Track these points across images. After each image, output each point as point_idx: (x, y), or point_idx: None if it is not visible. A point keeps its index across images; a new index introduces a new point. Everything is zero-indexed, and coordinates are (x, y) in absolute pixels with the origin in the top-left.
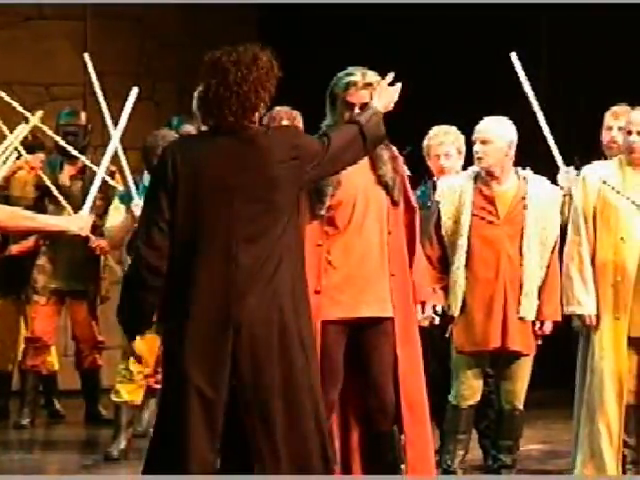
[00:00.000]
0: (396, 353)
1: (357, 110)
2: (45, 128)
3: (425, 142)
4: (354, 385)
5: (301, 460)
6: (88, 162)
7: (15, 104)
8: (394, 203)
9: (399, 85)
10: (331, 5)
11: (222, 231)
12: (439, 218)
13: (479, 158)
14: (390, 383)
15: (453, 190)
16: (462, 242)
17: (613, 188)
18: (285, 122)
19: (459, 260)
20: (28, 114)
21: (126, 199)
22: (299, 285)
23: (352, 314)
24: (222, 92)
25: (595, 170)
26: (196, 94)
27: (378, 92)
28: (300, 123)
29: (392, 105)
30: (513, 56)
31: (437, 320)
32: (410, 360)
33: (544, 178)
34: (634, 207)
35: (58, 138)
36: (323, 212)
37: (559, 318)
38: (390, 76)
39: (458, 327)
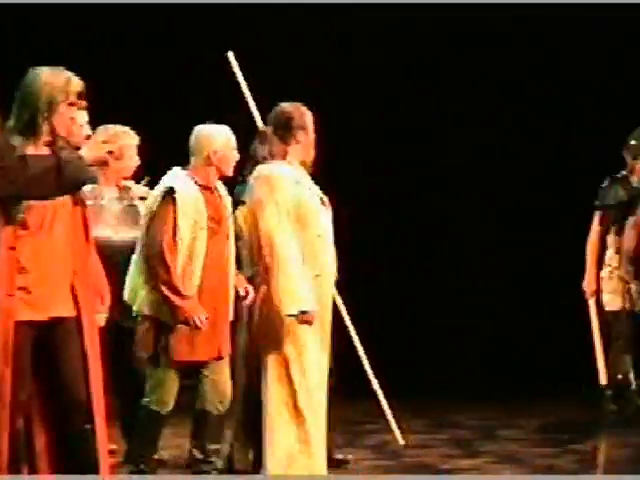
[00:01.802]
0: (85, 351)
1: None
2: None
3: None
4: (41, 386)
5: None
6: None
7: None
8: (75, 202)
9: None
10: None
11: None
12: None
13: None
14: (82, 382)
15: (188, 199)
16: (199, 253)
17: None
18: None
19: (196, 273)
20: None
21: None
22: None
23: (42, 315)
24: None
25: (281, 171)
26: None
27: (90, 145)
28: None
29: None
30: (230, 55)
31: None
32: (95, 358)
33: None
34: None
35: None
36: (21, 215)
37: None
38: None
39: (179, 337)
